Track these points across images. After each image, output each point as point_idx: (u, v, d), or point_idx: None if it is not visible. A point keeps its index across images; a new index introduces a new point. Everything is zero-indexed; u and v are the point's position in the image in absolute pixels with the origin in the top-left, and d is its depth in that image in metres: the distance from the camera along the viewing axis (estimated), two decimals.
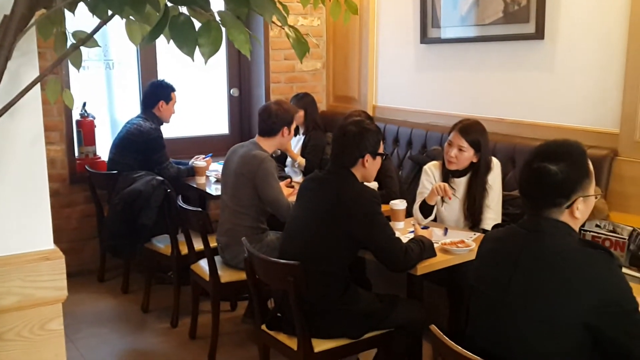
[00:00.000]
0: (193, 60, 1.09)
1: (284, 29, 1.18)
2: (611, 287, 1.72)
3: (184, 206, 3.55)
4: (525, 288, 1.79)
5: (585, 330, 1.72)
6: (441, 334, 1.87)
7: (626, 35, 3.35)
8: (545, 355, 1.76)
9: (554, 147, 1.87)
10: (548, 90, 3.86)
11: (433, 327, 1.91)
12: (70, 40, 1.45)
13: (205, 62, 1.10)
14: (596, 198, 1.89)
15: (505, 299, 1.82)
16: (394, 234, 2.72)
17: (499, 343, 1.82)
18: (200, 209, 3.55)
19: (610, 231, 3.07)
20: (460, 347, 1.79)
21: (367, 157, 2.75)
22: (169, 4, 1.12)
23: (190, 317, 3.79)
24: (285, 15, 1.24)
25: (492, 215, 3.23)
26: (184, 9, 1.17)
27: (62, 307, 1.50)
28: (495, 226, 3.06)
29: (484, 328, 1.89)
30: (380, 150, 2.83)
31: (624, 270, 2.70)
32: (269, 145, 3.58)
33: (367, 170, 2.79)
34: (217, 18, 1.12)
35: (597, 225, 3.11)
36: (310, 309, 2.60)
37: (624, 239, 3.00)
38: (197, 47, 1.09)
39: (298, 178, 4.67)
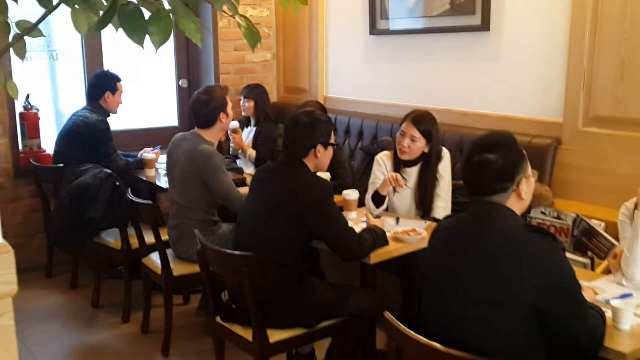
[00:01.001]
0: (143, 48, 1.08)
1: (234, 18, 1.17)
2: (556, 270, 1.79)
3: (134, 199, 3.49)
4: (474, 272, 1.84)
5: (532, 311, 1.79)
6: (395, 320, 1.91)
7: (568, 27, 3.45)
8: (495, 337, 1.81)
9: (488, 139, 2.00)
10: (494, 81, 3.95)
11: (387, 314, 1.94)
12: (14, 30, 1.41)
13: (156, 51, 1.09)
14: (535, 176, 1.97)
15: (455, 284, 1.87)
16: (347, 223, 2.74)
17: (451, 327, 1.87)
18: (150, 202, 3.50)
19: (555, 218, 3.17)
20: (414, 333, 1.83)
21: (319, 147, 2.76)
22: None
23: (141, 312, 3.75)
24: (236, 4, 1.23)
25: (442, 204, 3.29)
26: None
27: (12, 302, 1.46)
28: (447, 217, 3.12)
29: (436, 314, 1.94)
30: (332, 141, 2.85)
31: (568, 255, 2.80)
32: (210, 135, 3.50)
33: (319, 161, 2.80)
34: (167, 7, 1.11)
35: (542, 212, 3.20)
36: (265, 300, 2.60)
37: (568, 225, 3.10)
38: (146, 35, 1.08)
39: (249, 170, 4.66)
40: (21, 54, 1.52)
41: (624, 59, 3.21)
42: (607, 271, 2.74)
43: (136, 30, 1.07)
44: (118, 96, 4.40)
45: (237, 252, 2.60)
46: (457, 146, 3.95)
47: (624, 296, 2.28)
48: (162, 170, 4.46)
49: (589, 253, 3.00)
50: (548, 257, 1.79)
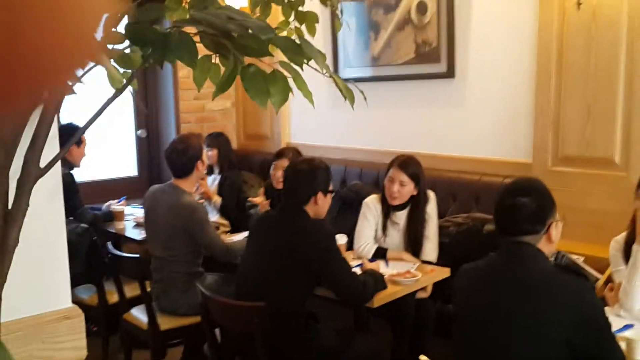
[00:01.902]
0: (266, 109, 1.10)
1: (333, 77, 1.22)
2: (588, 307, 1.89)
3: (118, 253, 3.41)
4: (511, 311, 1.91)
5: (566, 346, 1.87)
6: None
7: (534, 72, 3.67)
8: None
9: (521, 184, 2.13)
10: (461, 125, 4.12)
11: (423, 358, 1.98)
12: None
13: (277, 111, 1.12)
14: (562, 222, 2.09)
15: (493, 322, 1.93)
16: (351, 268, 2.78)
17: None
18: (137, 256, 3.42)
19: None
20: None
21: (319, 194, 2.80)
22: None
23: None
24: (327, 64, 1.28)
25: (431, 246, 3.38)
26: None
27: None
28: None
29: (473, 353, 1.99)
30: (330, 188, 2.89)
31: None
32: (188, 185, 3.48)
33: (319, 208, 2.84)
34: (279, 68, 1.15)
35: None
36: (273, 349, 2.59)
37: (550, 260, 3.24)
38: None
39: (215, 217, 4.63)
40: None
41: (590, 102, 3.44)
42: None
43: (259, 92, 1.09)
44: (82, 148, 4.31)
45: (247, 303, 2.58)
46: (429, 187, 4.06)
47: (626, 327, 2.41)
48: (132, 222, 4.38)
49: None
50: (582, 294, 1.89)
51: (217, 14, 1.11)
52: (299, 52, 1.15)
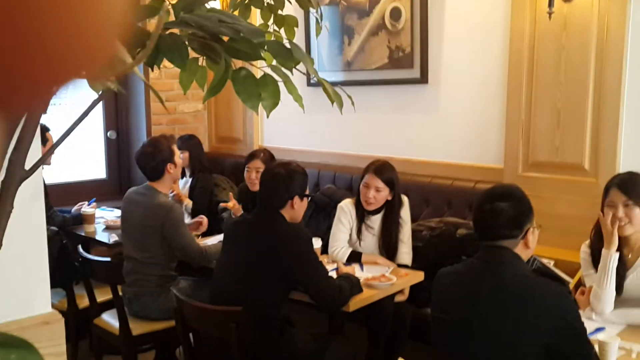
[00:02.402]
0: (257, 114, 1.10)
1: (321, 81, 1.22)
2: (565, 311, 1.92)
3: (89, 257, 3.35)
4: (490, 314, 1.94)
5: (544, 350, 1.90)
6: None
7: (506, 79, 3.73)
8: None
9: (500, 189, 2.18)
10: (434, 130, 4.16)
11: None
12: None
13: (268, 115, 1.11)
14: (539, 228, 2.12)
15: (472, 326, 1.95)
16: (328, 272, 2.78)
17: None
18: (109, 259, 3.37)
19: None
20: None
21: (296, 198, 2.80)
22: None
23: None
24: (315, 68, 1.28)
25: (406, 250, 3.40)
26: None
27: None
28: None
29: (452, 357, 2.01)
30: (307, 192, 2.89)
31: None
32: (163, 187, 3.47)
33: (296, 212, 2.83)
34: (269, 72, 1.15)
35: None
36: (249, 354, 2.57)
37: None
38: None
39: (186, 220, 4.58)
40: None
41: (560, 109, 3.50)
42: None
43: (251, 95, 1.09)
44: (49, 147, 4.22)
45: (224, 308, 2.56)
46: (403, 192, 4.09)
47: (597, 330, 2.46)
48: (101, 225, 4.32)
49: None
50: (560, 299, 1.92)
51: (207, 17, 1.10)
52: (289, 56, 1.15)
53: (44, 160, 1.14)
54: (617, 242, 2.53)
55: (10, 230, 1.24)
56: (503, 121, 3.78)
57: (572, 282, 3.08)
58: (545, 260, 3.29)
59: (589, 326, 2.49)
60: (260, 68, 1.18)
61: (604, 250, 2.55)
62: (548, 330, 1.88)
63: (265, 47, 1.15)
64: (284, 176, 2.79)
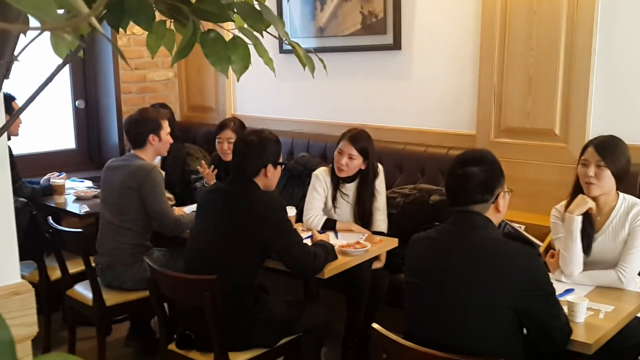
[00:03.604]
0: (227, 78, 1.08)
1: (292, 45, 1.19)
2: (535, 273, 1.95)
3: (60, 228, 3.31)
4: (462, 278, 1.96)
5: (514, 312, 1.93)
6: (385, 330, 1.98)
7: (478, 45, 3.72)
8: (482, 339, 1.94)
9: (471, 154, 2.16)
10: (407, 97, 4.15)
11: (376, 325, 2.01)
12: None
13: (238, 79, 1.09)
14: (509, 193, 2.14)
15: (444, 290, 1.97)
16: (302, 240, 2.78)
17: (440, 332, 1.97)
18: (80, 230, 3.33)
19: None
20: (407, 341, 1.91)
21: (269, 167, 2.77)
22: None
23: (62, 347, 3.55)
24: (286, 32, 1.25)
25: (382, 217, 3.42)
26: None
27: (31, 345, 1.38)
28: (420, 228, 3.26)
29: (424, 320, 2.03)
30: (280, 160, 2.87)
31: None
32: (145, 155, 3.45)
33: (269, 180, 2.81)
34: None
35: None
36: (225, 322, 2.57)
37: None
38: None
39: None
40: None
41: (531, 74, 3.51)
42: None
43: (220, 59, 1.06)
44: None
45: (198, 277, 2.54)
46: (377, 159, 4.09)
47: (567, 291, 2.50)
48: (71, 197, 4.26)
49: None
50: (529, 262, 1.94)
51: None
52: (259, 18, 1.12)
53: (6, 128, 1.11)
54: (584, 206, 2.57)
55: None
56: (475, 87, 3.78)
57: (542, 246, 3.12)
58: (516, 225, 3.33)
59: (559, 288, 2.53)
60: (229, 30, 1.15)
61: (566, 214, 2.59)
62: (518, 292, 1.91)
63: (235, 9, 1.12)
64: (257, 144, 2.76)
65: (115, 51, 5.04)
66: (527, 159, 3.60)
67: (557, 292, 2.46)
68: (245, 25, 1.13)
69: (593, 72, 3.34)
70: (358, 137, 3.33)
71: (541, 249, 3.10)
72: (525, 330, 2.03)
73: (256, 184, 2.76)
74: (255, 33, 1.13)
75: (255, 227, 2.64)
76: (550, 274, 2.71)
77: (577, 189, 2.73)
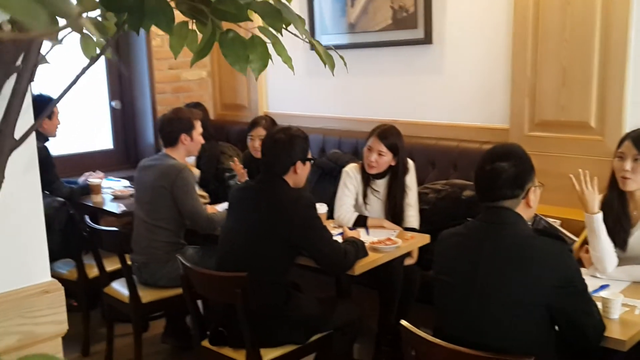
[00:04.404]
0: (245, 75, 1.09)
1: (312, 42, 1.20)
2: (566, 270, 1.92)
3: (96, 227, 3.37)
4: (492, 275, 1.93)
5: (546, 309, 1.90)
6: (413, 327, 1.97)
7: (511, 37, 3.66)
8: (513, 336, 1.91)
9: (500, 149, 2.13)
10: (439, 92, 4.12)
11: (404, 322, 2.00)
12: None
13: (257, 78, 1.10)
14: (540, 187, 2.11)
15: (474, 287, 1.95)
16: (332, 237, 2.78)
17: (470, 329, 1.95)
18: (116, 229, 3.39)
19: None
20: (436, 339, 1.90)
21: (298, 163, 2.78)
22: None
23: (100, 344, 3.62)
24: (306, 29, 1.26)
25: (413, 213, 3.41)
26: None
27: (61, 342, 1.41)
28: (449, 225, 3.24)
29: (453, 317, 2.01)
30: (309, 156, 2.88)
31: None
32: (177, 155, 3.50)
33: (298, 177, 2.82)
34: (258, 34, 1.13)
35: None
36: (256, 319, 2.59)
37: (527, 224, 3.27)
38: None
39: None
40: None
41: (565, 66, 3.45)
42: None
43: (239, 58, 1.07)
44: (55, 119, 4.22)
45: (229, 274, 2.57)
46: (408, 156, 4.06)
47: (602, 287, 2.45)
48: (109, 196, 4.33)
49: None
50: (560, 258, 1.91)
51: None
52: (277, 17, 1.12)
53: (33, 129, 1.13)
54: (595, 200, 2.49)
55: (5, 201, 1.25)
56: (508, 81, 3.73)
57: (578, 241, 3.06)
58: (551, 220, 3.28)
59: (593, 284, 2.49)
60: (248, 30, 1.16)
61: (585, 214, 2.54)
62: (549, 289, 1.88)
63: (254, 8, 1.13)
64: (285, 142, 2.77)
65: (150, 52, 5.12)
66: (562, 153, 3.53)
67: (592, 288, 2.43)
68: (264, 24, 1.14)
69: (629, 62, 3.26)
70: (387, 134, 3.32)
71: (577, 244, 3.04)
72: (557, 327, 2.00)
73: (286, 181, 2.77)
74: (274, 32, 1.13)
75: (285, 225, 2.65)
76: (584, 269, 2.68)
77: (613, 183, 2.67)
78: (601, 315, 2.08)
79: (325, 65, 1.24)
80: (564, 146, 3.53)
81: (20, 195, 1.30)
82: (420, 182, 3.96)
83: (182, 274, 2.73)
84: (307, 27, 4.70)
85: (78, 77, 1.23)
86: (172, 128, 3.44)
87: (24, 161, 1.29)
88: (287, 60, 1.14)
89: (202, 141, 3.60)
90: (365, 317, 3.29)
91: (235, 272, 2.55)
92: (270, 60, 1.16)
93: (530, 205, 2.05)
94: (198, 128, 3.52)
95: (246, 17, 1.08)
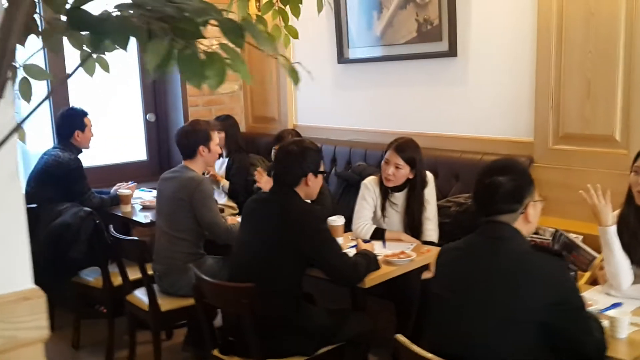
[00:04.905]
0: (200, 89, 1.12)
1: (276, 58, 1.22)
2: (563, 287, 1.88)
3: (119, 236, 3.46)
4: (487, 291, 1.91)
5: (541, 327, 1.86)
6: (408, 341, 1.96)
7: (535, 50, 3.62)
8: (505, 353, 1.88)
9: (500, 163, 2.12)
10: (464, 104, 4.09)
11: (399, 336, 1.99)
12: (22, 74, 1.45)
13: (214, 91, 1.13)
14: (541, 202, 2.07)
15: (469, 302, 1.93)
16: (341, 249, 2.79)
17: (462, 345, 1.93)
18: (137, 238, 3.47)
19: (534, 234, 3.28)
20: (429, 353, 1.88)
21: (310, 175, 2.81)
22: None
23: (123, 351, 3.70)
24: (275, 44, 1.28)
25: (432, 227, 3.39)
26: None
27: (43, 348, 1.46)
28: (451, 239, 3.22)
29: (447, 333, 1.99)
30: (321, 169, 2.90)
31: None
32: (196, 166, 3.55)
33: (310, 189, 2.85)
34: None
35: None
36: (265, 330, 2.61)
37: (548, 240, 3.22)
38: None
39: (223, 200, 4.66)
40: (27, 97, 1.55)
41: (590, 79, 3.38)
42: (590, 282, 2.86)
43: (195, 74, 1.10)
44: (88, 131, 4.34)
45: (237, 284, 2.61)
46: (432, 169, 4.02)
47: (615, 305, 2.39)
48: (138, 206, 4.44)
49: (571, 266, 3.12)
50: (557, 275, 1.88)
51: None
52: (239, 33, 1.15)
53: (8, 138, 1.18)
54: (608, 212, 2.43)
55: None
56: (532, 93, 3.68)
57: (598, 257, 2.99)
58: (573, 235, 3.21)
59: (606, 302, 2.43)
60: (208, 47, 1.19)
61: (599, 228, 2.48)
62: (544, 307, 1.84)
63: (217, 25, 1.16)
64: (297, 153, 2.80)
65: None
66: (587, 167, 3.46)
67: (604, 306, 2.37)
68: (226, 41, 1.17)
69: None
70: (404, 147, 3.31)
71: (597, 260, 2.97)
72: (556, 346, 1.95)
73: (297, 193, 2.80)
74: (234, 48, 1.16)
75: (295, 236, 2.67)
76: (600, 286, 2.61)
77: (630, 198, 2.61)
78: (606, 334, 2.02)
79: (294, 81, 1.27)
80: (588, 160, 3.45)
81: (3, 204, 1.35)
82: (444, 195, 3.93)
83: (195, 284, 2.78)
84: (333, 40, 4.74)
85: (52, 91, 1.28)
86: (189, 141, 3.50)
87: (5, 169, 1.34)
88: (245, 76, 1.16)
89: (220, 151, 3.66)
90: (382, 330, 3.28)
91: (247, 282, 2.58)
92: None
93: (530, 220, 2.02)
94: (215, 139, 3.58)
95: (200, 35, 1.11)
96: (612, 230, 2.44)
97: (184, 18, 1.11)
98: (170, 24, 1.13)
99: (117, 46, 1.10)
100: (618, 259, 2.42)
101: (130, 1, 1.17)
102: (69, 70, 4.92)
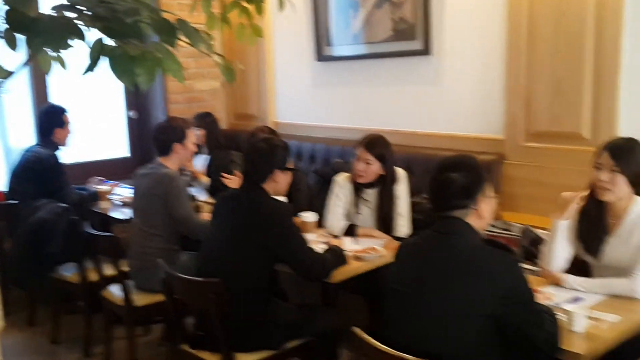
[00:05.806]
0: (132, 89, 1.15)
1: (211, 56, 1.26)
2: (513, 281, 1.92)
3: (93, 232, 3.49)
4: (438, 284, 1.95)
5: (491, 320, 1.91)
6: (364, 334, 2.00)
7: (505, 49, 3.66)
8: (457, 345, 1.92)
9: (452, 160, 2.15)
10: (437, 102, 4.13)
11: (356, 329, 2.03)
12: None
13: (144, 90, 1.16)
14: (494, 198, 2.12)
15: (421, 295, 1.97)
16: (308, 245, 2.82)
17: (416, 338, 1.97)
18: (110, 234, 3.50)
19: (504, 229, 3.33)
20: (384, 346, 1.92)
21: (277, 172, 2.84)
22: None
23: (102, 346, 3.72)
24: (211, 43, 1.31)
25: (404, 222, 3.43)
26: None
27: None
28: (412, 234, 3.26)
29: (401, 325, 2.03)
30: (289, 165, 2.93)
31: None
32: (171, 163, 3.57)
33: (278, 185, 2.88)
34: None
35: (491, 225, 3.36)
36: (233, 324, 2.65)
37: (518, 236, 3.26)
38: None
39: (203, 197, 4.69)
40: None
41: (559, 77, 3.43)
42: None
43: (125, 72, 1.14)
44: (67, 128, 4.37)
45: (203, 279, 2.64)
46: (406, 165, 4.06)
47: (577, 299, 2.43)
48: (118, 202, 4.46)
49: (538, 261, 3.16)
50: (506, 269, 1.92)
51: None
52: (171, 33, 1.19)
53: None
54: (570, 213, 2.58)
55: None
56: (503, 91, 3.73)
57: None
58: (541, 232, 3.25)
59: (567, 295, 2.47)
60: (139, 45, 1.23)
61: (555, 220, 2.58)
62: (494, 300, 1.88)
63: (150, 24, 1.19)
64: (265, 150, 2.83)
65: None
66: (557, 164, 3.51)
67: (565, 299, 2.41)
68: (158, 39, 1.20)
69: (621, 74, 3.22)
70: (374, 143, 3.35)
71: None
72: (507, 338, 2.00)
73: (264, 189, 2.83)
74: (167, 46, 1.20)
75: (263, 233, 2.70)
76: (565, 281, 2.65)
77: (592, 192, 2.65)
78: (560, 327, 2.06)
79: (227, 79, 1.30)
80: (558, 157, 3.50)
81: None
82: (418, 191, 3.97)
83: (163, 279, 2.81)
84: (312, 39, 4.78)
85: None
86: (164, 137, 3.53)
87: None
88: (177, 75, 1.20)
89: (195, 149, 3.69)
90: (355, 324, 3.32)
91: (214, 277, 2.61)
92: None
93: (483, 216, 2.06)
94: (191, 137, 3.61)
95: (131, 34, 1.14)
96: (562, 224, 2.58)
97: (114, 18, 1.14)
98: (102, 24, 1.16)
99: (50, 47, 1.13)
100: (555, 246, 2.58)
101: (67, 2, 1.20)
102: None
